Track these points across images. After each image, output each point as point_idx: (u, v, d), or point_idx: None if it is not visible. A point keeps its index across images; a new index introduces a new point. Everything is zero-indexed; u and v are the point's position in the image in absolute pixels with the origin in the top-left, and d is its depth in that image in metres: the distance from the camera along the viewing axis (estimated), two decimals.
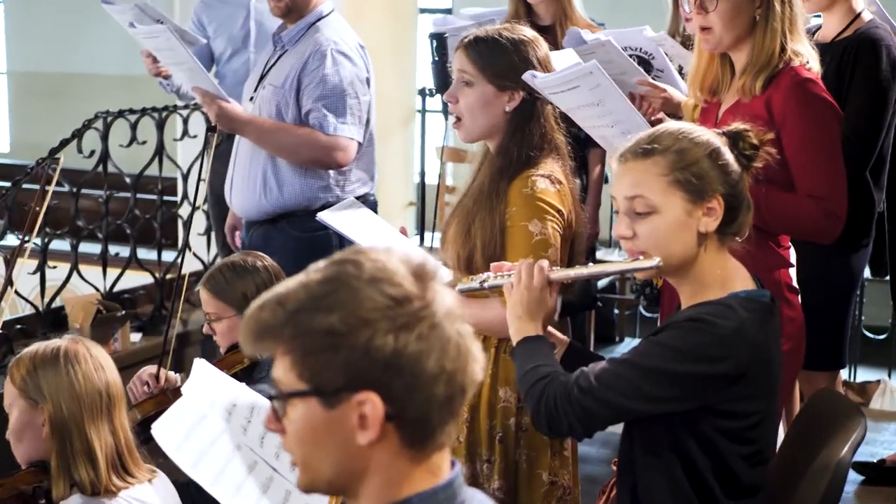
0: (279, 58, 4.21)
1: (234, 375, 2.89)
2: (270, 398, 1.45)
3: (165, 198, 5.91)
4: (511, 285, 2.39)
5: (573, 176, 2.93)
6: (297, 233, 4.14)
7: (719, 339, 2.16)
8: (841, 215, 3.01)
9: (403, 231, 3.29)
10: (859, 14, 3.93)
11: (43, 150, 5.08)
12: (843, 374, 5.52)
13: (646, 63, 4.11)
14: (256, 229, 4.29)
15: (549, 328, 2.51)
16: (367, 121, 4.21)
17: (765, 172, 2.78)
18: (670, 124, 2.36)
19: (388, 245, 1.51)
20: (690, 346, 2.17)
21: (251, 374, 3.15)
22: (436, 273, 1.46)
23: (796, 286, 3.12)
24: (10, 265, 4.30)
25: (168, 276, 5.74)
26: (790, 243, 3.21)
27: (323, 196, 4.14)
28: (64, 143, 5.10)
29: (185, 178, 5.99)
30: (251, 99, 4.27)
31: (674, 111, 3.77)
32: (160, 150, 5.72)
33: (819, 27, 4.04)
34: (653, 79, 4.03)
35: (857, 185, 3.86)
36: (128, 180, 5.68)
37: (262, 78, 4.23)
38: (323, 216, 3.29)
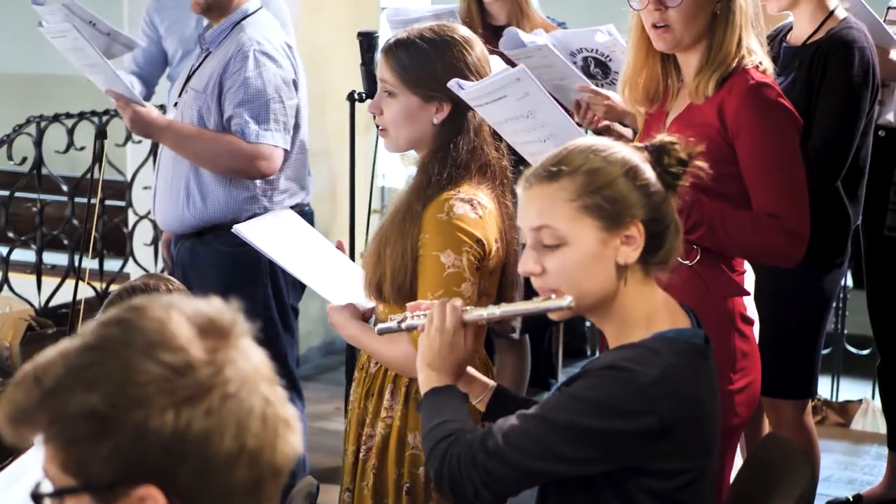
0: (203, 60, 3.94)
1: None
2: (37, 497, 1.19)
3: (109, 203, 5.59)
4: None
5: (510, 196, 2.63)
6: (224, 247, 3.85)
7: (639, 390, 1.87)
8: (803, 235, 2.70)
9: (340, 246, 2.97)
10: (832, 12, 3.61)
11: None
12: (825, 391, 5.22)
13: (603, 65, 3.84)
14: (183, 244, 4.02)
15: (472, 371, 2.26)
16: (297, 126, 3.93)
17: (719, 185, 2.50)
18: (581, 141, 2.04)
19: (170, 299, 1.25)
20: (606, 398, 1.88)
21: None
22: (233, 328, 1.21)
23: (751, 316, 2.81)
24: None
25: (112, 288, 5.43)
26: (747, 266, 2.89)
27: (249, 208, 3.84)
28: None
29: (130, 185, 5.67)
30: (175, 104, 4.01)
31: (619, 118, 3.46)
32: (100, 157, 5.38)
33: (790, 28, 3.72)
34: (611, 82, 3.74)
35: (829, 199, 3.59)
36: (65, 188, 5.37)
37: (186, 82, 3.96)
38: (240, 228, 2.94)
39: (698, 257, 2.70)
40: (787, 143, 2.72)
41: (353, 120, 4.62)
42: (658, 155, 2.01)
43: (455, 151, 2.57)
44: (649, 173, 1.97)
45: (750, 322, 2.79)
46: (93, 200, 5.58)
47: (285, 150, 3.85)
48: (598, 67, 3.84)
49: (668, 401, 1.87)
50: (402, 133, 2.62)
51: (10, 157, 5.01)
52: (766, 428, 3.79)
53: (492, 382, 2.29)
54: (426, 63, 2.57)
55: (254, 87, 3.76)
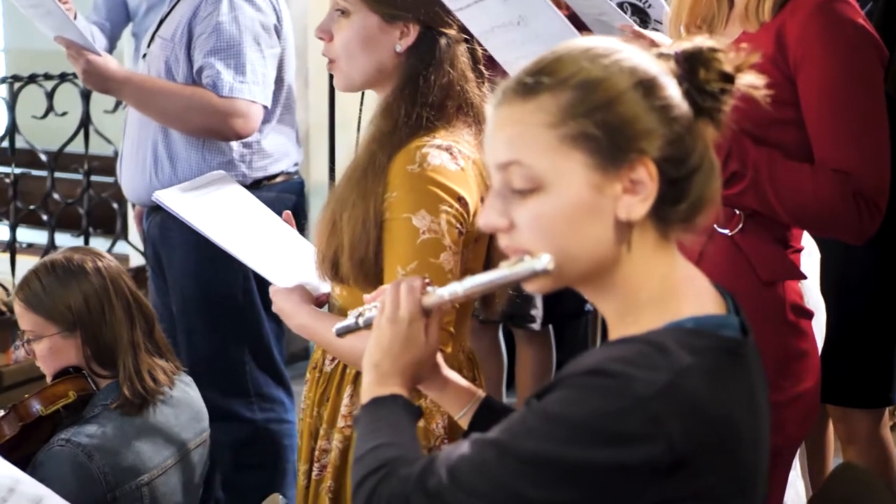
0: (175, 5, 3.40)
1: (56, 413, 2.39)
2: None
3: (96, 179, 5.06)
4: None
5: None
6: None
7: (637, 406, 1.26)
8: (879, 201, 2.09)
9: (288, 219, 2.40)
10: None
11: None
12: None
13: (641, 12, 3.37)
14: (154, 217, 3.50)
15: (450, 374, 1.68)
16: (280, 80, 3.39)
17: (772, 133, 2.01)
18: (577, 42, 1.42)
19: None
20: (589, 417, 1.27)
21: (80, 410, 2.42)
22: None
23: (810, 307, 2.22)
24: None
25: None
26: (808, 241, 2.29)
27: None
28: None
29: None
30: (144, 56, 3.47)
31: None
32: (85, 124, 4.86)
33: None
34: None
35: None
36: (44, 158, 4.84)
37: (156, 31, 3.43)
38: (160, 196, 2.38)
39: (741, 225, 2.13)
40: (867, 79, 2.09)
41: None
42: (691, 65, 1.38)
43: (426, 86, 2.04)
44: (672, 90, 1.36)
45: (807, 314, 2.21)
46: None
47: (265, 108, 3.33)
48: (636, 15, 3.35)
49: (680, 420, 1.26)
50: (357, 64, 2.09)
51: None
52: (831, 443, 3.28)
53: (479, 391, 1.71)
54: None
55: (227, 34, 3.24)
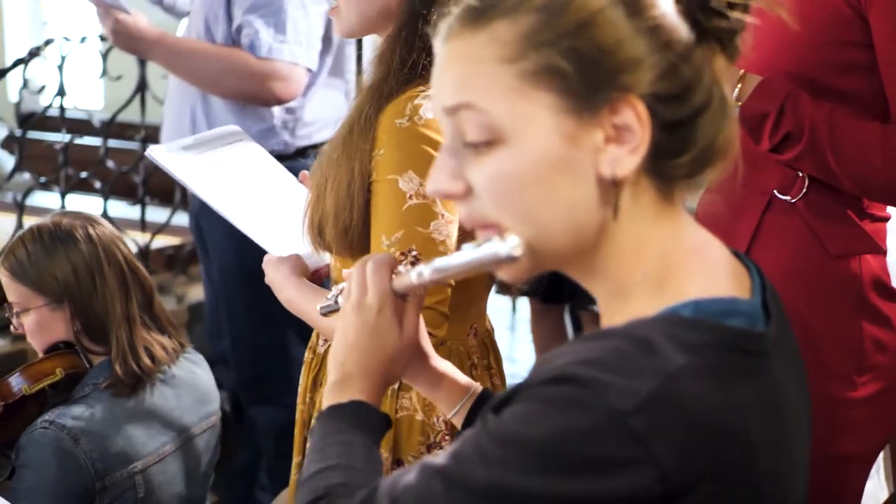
0: None
1: (42, 393, 2.21)
2: None
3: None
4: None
5: None
6: None
7: (615, 423, 0.97)
8: None
9: (305, 180, 2.15)
10: None
11: None
12: None
13: None
14: None
15: (441, 366, 1.42)
16: (327, 40, 3.16)
17: (836, 81, 1.79)
18: None
19: None
20: (557, 438, 0.99)
21: (70, 390, 2.22)
22: None
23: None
24: None
25: (155, 243, 4.72)
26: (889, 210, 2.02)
27: (266, 143, 3.05)
28: (2, 72, 4.11)
29: None
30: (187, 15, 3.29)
31: None
32: (142, 88, 4.68)
33: None
34: None
35: None
36: (97, 124, 4.67)
37: None
38: (152, 152, 2.11)
39: (804, 190, 1.85)
40: None
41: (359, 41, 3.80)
42: None
43: (425, 29, 1.77)
44: (664, 6, 1.07)
45: (891, 295, 1.93)
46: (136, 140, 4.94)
47: (309, 71, 3.12)
48: None
49: (670, 439, 0.98)
50: (357, 5, 1.83)
51: (25, 85, 4.31)
52: None
53: (476, 385, 1.45)
54: None
55: None
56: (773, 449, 1.06)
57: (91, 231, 2.24)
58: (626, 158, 1.05)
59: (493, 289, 2.01)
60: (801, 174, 1.88)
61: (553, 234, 1.07)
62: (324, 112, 3.21)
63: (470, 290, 1.85)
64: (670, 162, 1.08)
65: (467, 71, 1.07)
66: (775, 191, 1.91)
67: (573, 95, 1.04)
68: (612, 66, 1.04)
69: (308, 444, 1.29)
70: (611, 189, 1.07)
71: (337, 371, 1.31)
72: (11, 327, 2.27)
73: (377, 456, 1.26)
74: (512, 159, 1.06)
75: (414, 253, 1.68)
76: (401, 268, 1.29)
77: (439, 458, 1.07)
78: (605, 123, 1.05)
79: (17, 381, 2.17)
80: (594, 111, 1.04)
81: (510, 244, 1.07)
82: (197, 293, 4.50)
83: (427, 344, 1.39)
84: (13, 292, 2.24)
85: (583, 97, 1.04)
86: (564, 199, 1.06)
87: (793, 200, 1.90)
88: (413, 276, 1.25)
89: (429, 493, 1.05)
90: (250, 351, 3.30)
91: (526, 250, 1.08)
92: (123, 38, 3.10)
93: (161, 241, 4.82)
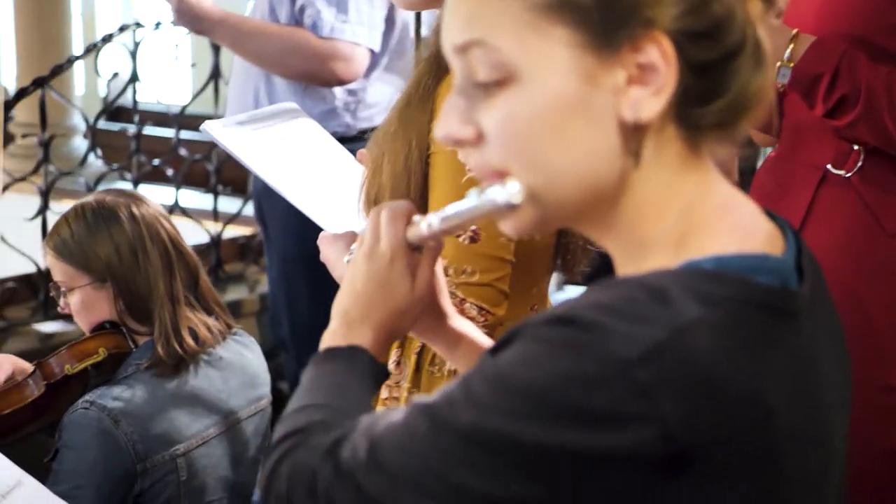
0: None
1: (85, 373, 2.18)
2: None
3: None
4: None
5: None
6: None
7: (616, 371, 0.88)
8: None
9: (361, 158, 2.09)
10: None
11: None
12: None
13: None
14: None
15: (461, 327, 1.33)
16: (390, 21, 3.12)
17: (890, 42, 1.71)
18: None
19: None
20: (553, 383, 0.90)
21: (114, 370, 2.20)
22: None
23: None
24: None
25: (227, 232, 4.71)
26: None
27: (328, 124, 2.99)
28: (71, 60, 4.11)
29: None
30: None
31: None
32: (216, 76, 4.66)
33: None
34: None
35: None
36: (169, 112, 4.67)
37: None
38: (208, 126, 2.06)
39: (860, 164, 1.75)
40: None
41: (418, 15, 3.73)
42: None
43: None
44: None
45: None
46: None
47: (372, 52, 3.09)
48: None
49: (677, 395, 0.88)
50: None
51: (96, 72, 4.32)
52: None
53: (481, 339, 1.35)
54: None
55: None
56: (798, 423, 0.96)
57: (134, 209, 2.22)
58: (649, 100, 0.96)
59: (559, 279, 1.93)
60: (855, 147, 1.78)
61: (564, 182, 0.98)
62: (386, 94, 3.17)
63: (532, 269, 1.78)
64: (698, 109, 0.98)
65: (478, 5, 0.99)
66: (829, 165, 1.81)
67: (592, 30, 0.95)
68: (635, 1, 0.95)
69: (301, 380, 1.22)
70: (632, 135, 0.97)
71: (339, 318, 1.23)
72: (59, 307, 2.25)
73: (368, 403, 1.18)
74: (524, 100, 0.97)
75: (473, 227, 1.61)
76: (415, 217, 1.22)
77: (429, 397, 0.99)
78: (628, 62, 0.96)
79: (59, 361, 2.15)
80: (615, 48, 0.95)
81: (510, 190, 0.98)
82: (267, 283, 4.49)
83: (447, 303, 1.31)
84: (58, 271, 2.22)
85: (603, 32, 0.95)
86: (579, 144, 0.97)
87: (847, 175, 1.80)
88: (424, 226, 1.18)
89: (411, 431, 0.97)
90: (310, 335, 3.25)
91: (530, 198, 0.99)
92: (187, 16, 3.09)
93: (233, 231, 4.81)
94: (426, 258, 1.23)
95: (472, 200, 1.04)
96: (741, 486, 0.92)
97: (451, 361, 1.36)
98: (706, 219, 1.00)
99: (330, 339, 1.23)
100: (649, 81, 0.95)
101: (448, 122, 1.02)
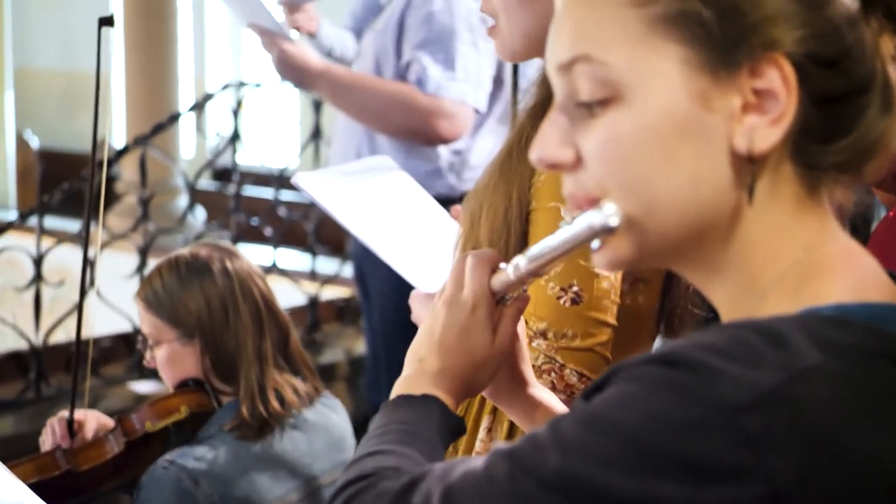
0: None
1: (165, 431, 2.11)
2: None
3: None
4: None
5: None
6: None
7: (723, 418, 0.80)
8: None
9: (456, 215, 1.99)
10: None
11: None
12: None
13: None
14: None
15: (540, 395, 1.24)
16: (499, 81, 3.05)
17: None
18: None
19: None
20: (652, 428, 0.82)
21: (196, 430, 2.13)
22: None
23: None
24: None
25: (325, 293, 4.64)
26: None
27: (432, 185, 2.93)
28: (173, 118, 4.11)
29: None
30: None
31: None
32: (317, 136, 4.63)
33: None
34: None
35: None
36: (268, 173, 4.65)
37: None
38: (301, 179, 2.01)
39: None
40: None
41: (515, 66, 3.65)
42: None
43: None
44: None
45: None
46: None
47: (477, 112, 3.01)
48: None
49: (789, 449, 0.80)
50: (518, 23, 1.64)
51: (198, 129, 4.31)
52: None
53: (554, 405, 1.26)
54: None
55: (439, 24, 2.95)
56: None
57: (228, 264, 2.15)
58: (766, 130, 0.86)
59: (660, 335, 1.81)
60: None
61: (666, 210, 0.89)
62: (491, 156, 3.06)
63: (634, 334, 1.66)
64: (819, 147, 0.88)
65: (587, 17, 0.91)
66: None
67: (709, 48, 0.87)
68: (759, 16, 0.86)
69: (370, 427, 1.13)
70: (745, 167, 0.88)
71: (414, 364, 1.15)
72: (145, 361, 2.18)
73: (440, 454, 1.09)
74: (630, 119, 0.88)
75: (575, 289, 1.51)
76: (501, 265, 1.13)
77: (516, 442, 0.90)
78: (744, 86, 0.87)
79: (140, 418, 2.08)
80: (732, 69, 0.86)
81: (606, 212, 0.89)
82: (364, 346, 4.42)
83: (528, 369, 1.23)
84: (147, 324, 2.16)
85: (720, 51, 0.87)
86: (686, 171, 0.88)
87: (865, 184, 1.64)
88: (510, 270, 1.10)
89: (490, 477, 0.88)
90: None
91: (628, 225, 0.89)
92: (289, 68, 3.03)
93: (331, 293, 4.75)
94: (510, 312, 1.15)
95: (563, 231, 0.96)
96: None
97: (527, 430, 1.25)
98: (824, 265, 0.90)
99: (403, 386, 1.15)
100: (767, 109, 0.87)
101: (545, 145, 0.93)
